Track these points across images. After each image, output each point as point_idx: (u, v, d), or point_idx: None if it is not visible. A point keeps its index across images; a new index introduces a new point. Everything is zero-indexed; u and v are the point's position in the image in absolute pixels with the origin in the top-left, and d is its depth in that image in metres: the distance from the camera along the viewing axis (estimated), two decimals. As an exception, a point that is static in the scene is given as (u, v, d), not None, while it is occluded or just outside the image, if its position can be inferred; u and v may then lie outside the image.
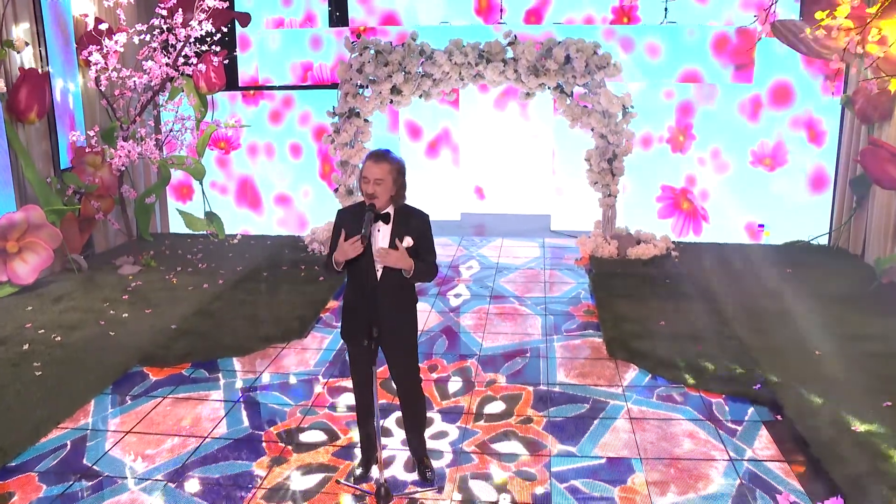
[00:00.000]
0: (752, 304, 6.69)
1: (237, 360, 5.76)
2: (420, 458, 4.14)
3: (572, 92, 8.73)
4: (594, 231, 9.05)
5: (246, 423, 4.76)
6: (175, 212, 9.65)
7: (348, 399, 5.09)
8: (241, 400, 5.07)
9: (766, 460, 4.27)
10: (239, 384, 5.34)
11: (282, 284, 7.51)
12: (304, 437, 4.58)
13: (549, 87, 8.71)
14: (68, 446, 4.46)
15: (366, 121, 8.98)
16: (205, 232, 9.37)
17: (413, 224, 3.77)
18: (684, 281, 7.52)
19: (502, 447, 4.45)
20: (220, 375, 5.49)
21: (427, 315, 6.75)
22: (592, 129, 8.75)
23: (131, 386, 5.29)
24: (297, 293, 7.23)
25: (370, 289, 3.69)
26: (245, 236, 9.54)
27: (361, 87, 8.85)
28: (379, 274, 3.74)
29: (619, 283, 7.48)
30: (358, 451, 4.32)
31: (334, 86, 9.37)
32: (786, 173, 9.10)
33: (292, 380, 5.43)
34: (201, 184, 9.38)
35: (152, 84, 7.23)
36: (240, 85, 9.78)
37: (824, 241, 9.02)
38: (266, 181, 9.87)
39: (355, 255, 3.61)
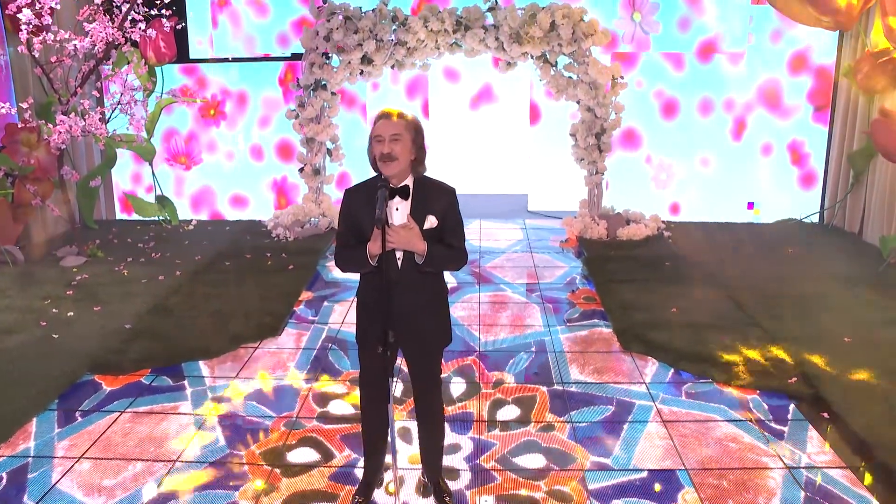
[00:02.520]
0: (763, 287, 6.23)
1: (204, 364, 5.01)
2: (436, 480, 3.51)
3: (557, 62, 8.14)
4: (580, 211, 8.51)
5: (222, 440, 4.05)
6: (123, 196, 8.75)
7: (339, 407, 4.42)
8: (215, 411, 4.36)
9: (826, 467, 3.77)
10: (210, 393, 4.61)
11: (247, 275, 6.75)
12: (294, 457, 3.89)
13: (532, 57, 8.09)
14: (3, 479, 3.68)
15: (333, 94, 8.23)
16: (156, 218, 8.51)
17: (437, 200, 3.12)
18: (685, 263, 7.03)
19: (526, 461, 3.85)
20: (185, 383, 4.74)
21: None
22: (579, 102, 8.18)
23: (81, 399, 4.51)
24: (266, 284, 6.49)
25: (387, 283, 3.02)
26: (201, 222, 8.70)
27: (328, 56, 8.09)
28: (399, 262, 3.07)
29: (616, 266, 6.95)
30: (359, 473, 3.67)
31: (297, 56, 8.56)
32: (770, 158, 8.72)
33: (271, 386, 4.72)
34: (151, 165, 8.49)
35: (95, 50, 6.32)
36: (190, 57, 8.88)
37: (815, 218, 8.67)
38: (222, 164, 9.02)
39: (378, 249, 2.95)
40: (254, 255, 7.35)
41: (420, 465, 3.60)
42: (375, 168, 3.10)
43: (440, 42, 8.04)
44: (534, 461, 3.85)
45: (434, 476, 3.50)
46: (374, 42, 7.83)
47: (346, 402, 4.49)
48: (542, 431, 4.15)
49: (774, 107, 8.63)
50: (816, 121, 8.65)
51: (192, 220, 8.65)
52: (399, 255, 3.06)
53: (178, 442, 4.02)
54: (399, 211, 3.06)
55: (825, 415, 4.25)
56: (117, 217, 9.00)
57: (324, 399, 4.54)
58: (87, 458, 3.85)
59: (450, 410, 4.38)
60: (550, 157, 9.17)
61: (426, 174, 3.15)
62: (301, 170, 8.39)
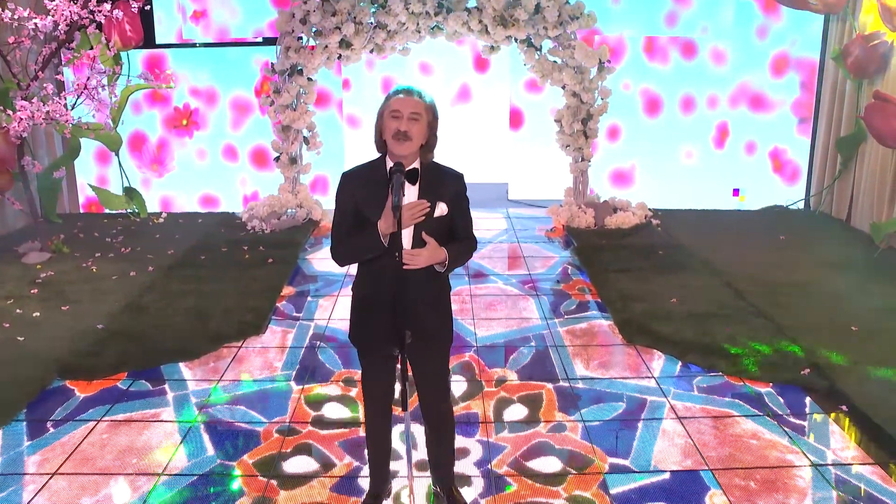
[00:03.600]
0: (760, 275, 6.07)
1: (185, 366, 4.68)
2: (448, 489, 3.25)
3: (541, 45, 7.89)
4: (566, 199, 8.30)
5: (211, 450, 3.73)
6: (87, 188, 8.29)
7: (335, 411, 4.13)
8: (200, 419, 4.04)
9: (854, 464, 3.59)
10: (193, 398, 4.28)
11: (225, 269, 6.40)
12: (290, 467, 3.60)
13: (516, 40, 7.83)
14: (-28, 499, 3.34)
15: (310, 79, 7.88)
16: (124, 210, 8.08)
17: (447, 185, 2.85)
18: (678, 251, 6.86)
19: (541, 465, 3.61)
20: (166, 387, 4.41)
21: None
22: (564, 87, 7.95)
23: (52, 408, 4.15)
24: (245, 279, 6.15)
25: (396, 277, 2.74)
26: (171, 215, 8.28)
27: (299, 38, 7.73)
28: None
29: (608, 256, 6.75)
30: (364, 483, 3.40)
31: (272, 40, 8.18)
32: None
33: (259, 388, 4.41)
34: (117, 155, 8.06)
35: (58, 30, 5.89)
36: (157, 42, 8.42)
37: (800, 205, 8.58)
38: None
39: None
40: (230, 248, 6.99)
41: (427, 473, 3.34)
42: (380, 148, 2.82)
43: (421, 25, 7.74)
44: (549, 465, 3.61)
45: (447, 485, 3.24)
46: (352, 25, 7.50)
47: (342, 405, 4.20)
48: (553, 432, 3.91)
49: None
50: (800, 133, 8.58)
51: (161, 213, 8.23)
52: (406, 244, 2.77)
53: (163, 453, 3.70)
54: (406, 196, 2.77)
55: (844, 408, 4.08)
56: (81, 210, 8.53)
57: (317, 402, 4.24)
58: (62, 475, 3.51)
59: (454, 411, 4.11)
60: (530, 146, 8.94)
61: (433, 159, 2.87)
62: (277, 159, 8.03)
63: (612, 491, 3.39)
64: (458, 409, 4.13)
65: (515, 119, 8.95)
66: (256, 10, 8.27)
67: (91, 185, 8.07)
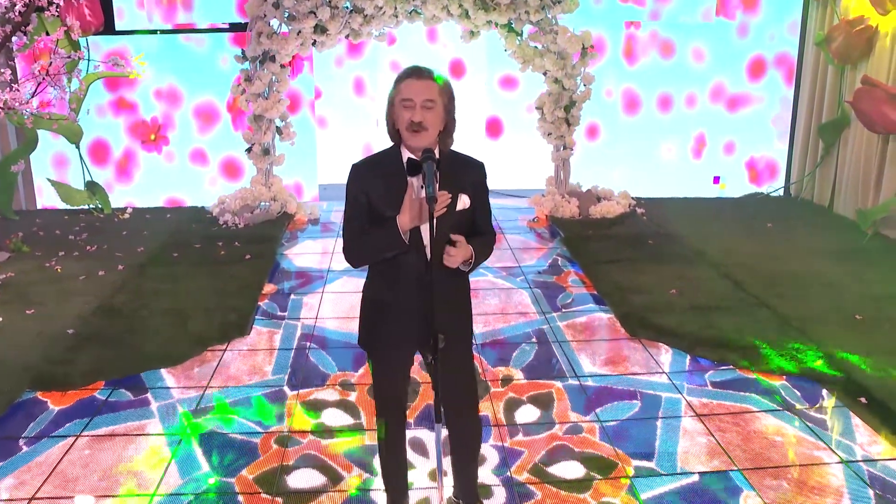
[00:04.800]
0: (754, 264, 5.97)
1: (168, 373, 4.35)
2: (472, 502, 3.02)
3: (522, 31, 7.68)
4: (548, 189, 8.11)
5: (205, 465, 3.44)
6: (45, 183, 7.80)
7: (335, 417, 3.86)
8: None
9: (885, 459, 3.47)
10: (180, 407, 3.97)
11: (200, 267, 6.05)
12: (295, 482, 3.32)
13: (497, 25, 7.60)
14: (-59, 531, 3.00)
15: (282, 66, 7.53)
16: (86, 206, 7.63)
17: (468, 176, 2.61)
18: (668, 241, 6.73)
19: (563, 470, 3.40)
20: (149, 396, 4.08)
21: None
22: (545, 73, 7.75)
23: (24, 423, 3.79)
24: (223, 277, 5.81)
25: (419, 277, 2.48)
26: (137, 210, 7.86)
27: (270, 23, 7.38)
28: (428, 251, 2.54)
29: (597, 246, 6.58)
30: (377, 497, 3.15)
31: (242, 26, 7.80)
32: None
33: (251, 395, 4.11)
34: (78, 148, 7.60)
35: (13, 11, 5.45)
36: (116, 29, 7.95)
37: (780, 192, 8.56)
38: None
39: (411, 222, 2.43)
40: (203, 244, 6.63)
41: (436, 483, 3.09)
42: (393, 137, 2.56)
43: (399, 9, 7.45)
44: (572, 470, 3.40)
45: (469, 498, 3.01)
46: (328, 9, 7.17)
47: (342, 411, 3.93)
48: (570, 434, 3.71)
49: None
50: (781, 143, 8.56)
51: (126, 209, 7.80)
52: (426, 240, 2.52)
53: (152, 470, 3.39)
54: (424, 189, 2.51)
55: (863, 400, 3.96)
56: (38, 206, 8.04)
57: (315, 408, 3.97)
58: (41, 499, 3.18)
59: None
60: (506, 135, 8.75)
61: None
62: (249, 150, 7.66)
63: (644, 496, 3.20)
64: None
65: (493, 128, 8.77)
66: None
67: (50, 180, 7.60)
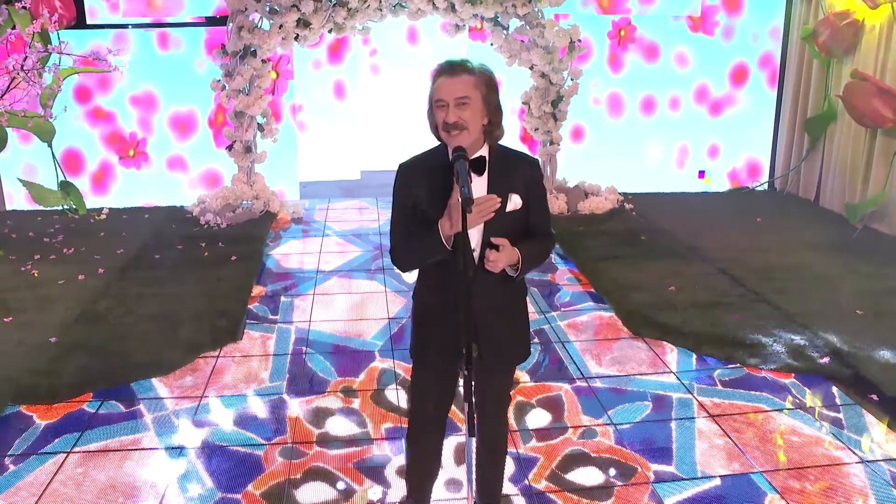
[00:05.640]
0: (751, 260, 5.93)
1: (159, 382, 4.15)
2: (494, 511, 2.90)
3: (509, 25, 7.56)
4: (536, 185, 7.99)
5: (208, 481, 3.27)
6: (16, 183, 7.48)
7: (340, 426, 3.71)
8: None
9: (905, 458, 3.43)
10: (175, 419, 3.78)
11: (185, 269, 5.83)
12: (304, 497, 3.17)
13: (483, 18, 7.47)
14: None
15: (264, 61, 7.32)
16: (60, 207, 7.35)
17: (520, 174, 2.46)
18: (661, 236, 6.67)
19: (582, 477, 3.30)
20: (142, 407, 3.88)
21: (384, 298, 5.41)
22: (532, 68, 7.64)
23: (9, 439, 3.57)
24: (210, 280, 5.61)
25: (465, 283, 2.36)
26: (114, 210, 7.58)
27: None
28: (475, 255, 2.41)
29: (590, 243, 6.50)
30: (393, 510, 3.02)
31: (220, 20, 7.57)
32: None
33: (249, 404, 3.94)
34: (51, 146, 7.30)
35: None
36: (88, 22, 7.66)
37: (765, 186, 8.57)
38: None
39: (490, 214, 2.30)
40: (186, 245, 6.40)
41: (452, 495, 2.99)
42: (437, 136, 2.42)
43: (384, 3, 7.28)
44: (590, 476, 3.30)
45: (493, 507, 2.89)
46: (311, 2, 6.97)
47: (347, 420, 3.78)
48: (584, 438, 3.61)
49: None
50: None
51: (102, 209, 7.53)
52: (474, 244, 2.39)
53: (152, 488, 3.21)
54: (473, 190, 2.38)
55: (874, 397, 3.92)
56: (8, 207, 7.72)
57: (318, 416, 3.81)
58: (35, 521, 2.99)
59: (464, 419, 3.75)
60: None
61: (501, 142, 2.49)
62: (230, 147, 7.44)
63: (666, 501, 3.11)
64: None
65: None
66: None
67: (21, 180, 7.29)
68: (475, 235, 2.37)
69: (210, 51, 7.55)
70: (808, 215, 7.42)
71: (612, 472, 3.33)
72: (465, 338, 2.25)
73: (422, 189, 2.40)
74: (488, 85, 2.35)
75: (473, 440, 2.40)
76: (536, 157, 2.55)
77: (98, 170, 7.79)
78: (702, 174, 8.70)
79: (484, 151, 2.40)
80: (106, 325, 4.76)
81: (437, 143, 2.45)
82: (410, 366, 4.12)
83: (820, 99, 7.61)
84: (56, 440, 3.56)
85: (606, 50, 8.20)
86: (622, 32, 8.18)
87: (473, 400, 2.29)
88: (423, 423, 2.71)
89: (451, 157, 2.31)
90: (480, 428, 2.68)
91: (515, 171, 2.44)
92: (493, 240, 2.33)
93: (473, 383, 2.49)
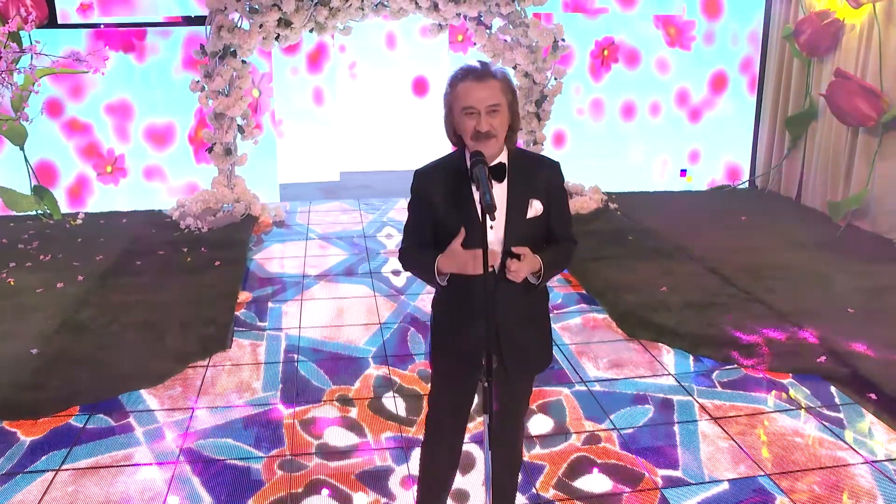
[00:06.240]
0: (740, 259, 5.94)
1: (148, 394, 4.03)
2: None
3: (492, 24, 7.51)
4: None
5: (207, 497, 3.16)
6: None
7: (339, 436, 3.62)
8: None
9: (909, 458, 3.43)
10: (168, 432, 3.66)
11: (168, 276, 5.68)
12: (308, 511, 3.09)
13: (466, 18, 7.41)
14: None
15: (244, 62, 7.18)
16: (34, 212, 7.14)
17: (540, 178, 2.40)
18: (648, 236, 6.65)
19: (590, 484, 3.25)
20: (132, 421, 3.76)
21: (374, 302, 5.32)
22: (515, 67, 7.60)
23: (-6, 457, 3.44)
24: (195, 286, 5.47)
25: (487, 294, 2.28)
26: (90, 215, 7.38)
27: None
28: (496, 265, 2.34)
29: (578, 243, 6.44)
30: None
31: (195, 20, 7.41)
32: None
33: (243, 415, 3.83)
34: (23, 150, 7.09)
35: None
36: (59, 22, 7.45)
37: (746, 184, 8.62)
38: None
39: (476, 270, 2.23)
40: (167, 251, 6.25)
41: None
42: (454, 141, 2.36)
43: (366, 2, 7.18)
44: (598, 483, 3.26)
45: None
46: (293, 1, 6.85)
47: (346, 430, 3.69)
48: (589, 444, 3.56)
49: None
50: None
51: (78, 213, 7.33)
52: (496, 249, 2.33)
53: (148, 505, 3.10)
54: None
55: (873, 396, 3.93)
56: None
57: (315, 427, 3.72)
58: (26, 543, 2.86)
59: (470, 428, 3.68)
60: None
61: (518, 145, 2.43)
62: (210, 150, 7.28)
63: (677, 509, 3.08)
64: (476, 425, 3.71)
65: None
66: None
67: (-8, 186, 7.08)
68: (496, 246, 2.30)
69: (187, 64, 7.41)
70: (791, 213, 7.47)
71: (620, 478, 3.28)
72: (486, 350, 2.19)
73: (438, 196, 2.33)
74: (513, 92, 2.30)
75: (490, 453, 2.33)
76: (556, 160, 2.47)
77: (74, 183, 7.57)
78: (683, 173, 8.73)
79: (503, 157, 2.34)
80: (89, 334, 4.61)
81: (446, 146, 2.39)
82: (405, 372, 4.10)
83: (801, 97, 7.67)
84: (43, 457, 3.42)
85: (588, 59, 8.20)
86: (605, 52, 8.19)
87: (493, 411, 2.24)
88: (440, 432, 2.64)
89: (469, 162, 2.24)
90: (499, 437, 2.62)
91: (535, 176, 2.37)
92: (514, 249, 2.27)
93: (492, 392, 2.44)
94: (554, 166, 2.43)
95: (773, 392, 4.03)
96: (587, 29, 8.12)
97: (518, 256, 2.26)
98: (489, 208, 2.06)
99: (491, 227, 2.31)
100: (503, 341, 2.35)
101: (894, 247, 6.26)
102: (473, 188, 2.24)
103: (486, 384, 2.19)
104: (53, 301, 5.12)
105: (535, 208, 2.34)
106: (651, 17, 8.15)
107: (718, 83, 8.40)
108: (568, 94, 7.99)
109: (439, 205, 2.33)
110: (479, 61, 2.31)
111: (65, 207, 7.38)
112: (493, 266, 2.28)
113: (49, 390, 3.93)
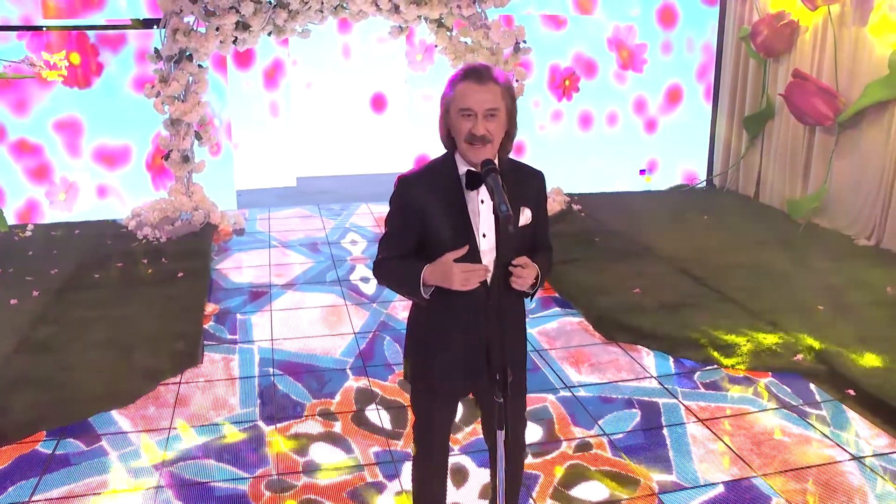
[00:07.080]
0: (707, 259, 6.01)
1: (120, 414, 3.84)
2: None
3: (453, 26, 7.45)
4: (483, 189, 7.91)
5: (192, 523, 3.01)
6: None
7: (325, 453, 3.50)
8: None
9: (893, 453, 3.49)
10: (144, 455, 3.49)
11: (130, 289, 5.46)
12: (301, 533, 2.97)
13: (426, 20, 7.34)
14: None
15: (200, 66, 6.97)
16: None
17: (530, 187, 2.35)
18: (614, 237, 6.68)
19: (586, 492, 3.21)
20: (104, 445, 3.57)
21: (345, 311, 5.21)
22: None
23: (-43, 489, 3.22)
24: (159, 299, 5.26)
25: (479, 306, 2.22)
26: (39, 226, 7.07)
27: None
28: (489, 277, 2.27)
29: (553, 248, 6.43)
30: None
31: (147, 22, 7.16)
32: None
33: (224, 434, 3.68)
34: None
35: None
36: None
37: (703, 184, 8.76)
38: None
39: (474, 284, 2.17)
40: (126, 263, 6.01)
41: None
42: (447, 144, 2.28)
43: (325, 4, 7.05)
44: (595, 491, 3.22)
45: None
46: (251, 4, 6.67)
47: (332, 445, 3.58)
48: (581, 451, 3.52)
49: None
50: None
51: (27, 225, 7.00)
52: (485, 260, 2.26)
53: (130, 535, 2.94)
54: (485, 204, 2.26)
55: (852, 392, 4.00)
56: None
57: (299, 443, 3.59)
58: (1, 583, 2.68)
59: (460, 439, 3.62)
60: (425, 133, 8.53)
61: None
62: (166, 157, 7.05)
63: (676, 514, 3.06)
64: (465, 435, 3.65)
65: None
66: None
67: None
68: (488, 255, 2.24)
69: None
70: (750, 212, 7.60)
71: (615, 484, 3.25)
72: (497, 364, 2.12)
73: (428, 203, 2.23)
74: (512, 97, 2.24)
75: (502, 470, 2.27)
76: (539, 168, 2.42)
77: (24, 208, 7.25)
78: (643, 172, 8.82)
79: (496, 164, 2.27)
80: (51, 354, 4.38)
81: (429, 150, 2.32)
82: (386, 383, 4.01)
83: (757, 97, 7.82)
84: (10, 488, 3.22)
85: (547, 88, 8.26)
86: (567, 82, 8.24)
87: (497, 426, 2.18)
88: (431, 447, 2.56)
89: (481, 170, 2.16)
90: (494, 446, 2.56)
91: (526, 184, 2.32)
92: (515, 261, 2.20)
93: (486, 411, 2.41)
94: (539, 175, 2.40)
95: (752, 390, 4.06)
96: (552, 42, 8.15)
97: (519, 266, 2.20)
98: (507, 218, 1.99)
99: (484, 236, 2.26)
100: (495, 355, 2.28)
101: (853, 243, 6.42)
102: (467, 195, 2.18)
103: (500, 399, 2.12)
104: (8, 319, 4.86)
105: (527, 216, 2.29)
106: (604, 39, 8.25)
107: (674, 95, 8.52)
108: (528, 108, 7.98)
109: (431, 214, 2.24)
110: (482, 63, 2.24)
111: (11, 220, 7.04)
112: (486, 277, 2.22)
113: (11, 414, 3.71)
